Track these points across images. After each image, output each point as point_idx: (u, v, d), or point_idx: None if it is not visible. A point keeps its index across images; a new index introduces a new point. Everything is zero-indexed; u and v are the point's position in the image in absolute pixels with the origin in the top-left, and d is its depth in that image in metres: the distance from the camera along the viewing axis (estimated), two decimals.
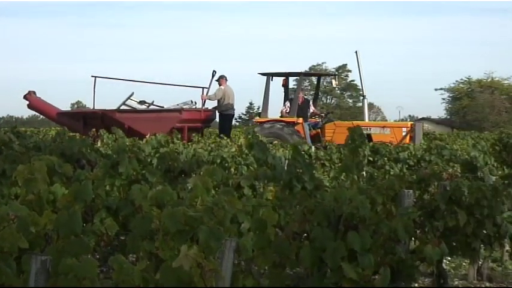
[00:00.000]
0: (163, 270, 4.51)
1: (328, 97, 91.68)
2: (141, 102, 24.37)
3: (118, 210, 6.86)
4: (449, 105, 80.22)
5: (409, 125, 22.54)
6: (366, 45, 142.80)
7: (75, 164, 9.11)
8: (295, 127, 22.01)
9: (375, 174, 12.39)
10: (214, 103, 24.48)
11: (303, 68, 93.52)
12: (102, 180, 7.52)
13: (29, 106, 25.01)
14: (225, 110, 24.24)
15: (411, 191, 7.53)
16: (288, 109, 23.00)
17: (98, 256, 6.97)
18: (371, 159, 15.30)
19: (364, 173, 11.61)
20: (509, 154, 14.50)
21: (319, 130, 22.91)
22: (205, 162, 9.96)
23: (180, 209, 4.96)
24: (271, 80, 23.83)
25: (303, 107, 23.00)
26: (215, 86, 24.22)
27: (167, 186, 5.98)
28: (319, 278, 5.70)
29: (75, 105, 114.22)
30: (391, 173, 14.25)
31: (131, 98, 24.16)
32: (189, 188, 5.61)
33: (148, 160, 9.92)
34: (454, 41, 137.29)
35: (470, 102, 73.95)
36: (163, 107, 24.26)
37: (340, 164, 13.34)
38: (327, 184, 9.44)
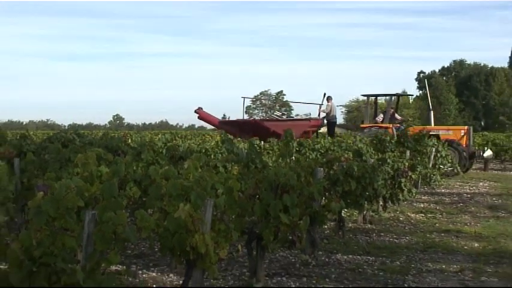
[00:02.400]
0: (168, 219, 4.50)
1: (270, 111, 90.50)
2: (282, 114, 23.29)
3: (141, 182, 6.79)
4: (346, 116, 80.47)
5: (465, 128, 20.86)
6: (297, 78, 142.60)
7: (114, 153, 9.01)
8: (388, 130, 20.76)
9: (300, 158, 12.37)
10: (323, 114, 23.26)
11: (255, 92, 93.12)
12: (130, 163, 7.41)
13: (199, 117, 22.49)
14: (331, 119, 23.21)
15: (322, 168, 7.55)
16: (382, 118, 21.82)
17: (128, 211, 6.89)
18: (297, 149, 15.30)
19: (293, 157, 11.63)
20: (382, 146, 14.65)
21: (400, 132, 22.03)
22: (195, 151, 9.89)
23: (179, 181, 4.94)
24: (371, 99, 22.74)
25: (391, 117, 21.82)
26: (325, 102, 23.23)
27: (171, 166, 5.93)
28: (265, 223, 5.69)
29: (115, 116, 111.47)
30: (310, 157, 14.26)
31: None
32: (185, 167, 5.54)
33: (160, 150, 9.83)
34: (358, 75, 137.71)
35: (359, 114, 74.12)
36: (293, 117, 23.19)
37: (278, 152, 13.34)
38: (270, 164, 9.39)
